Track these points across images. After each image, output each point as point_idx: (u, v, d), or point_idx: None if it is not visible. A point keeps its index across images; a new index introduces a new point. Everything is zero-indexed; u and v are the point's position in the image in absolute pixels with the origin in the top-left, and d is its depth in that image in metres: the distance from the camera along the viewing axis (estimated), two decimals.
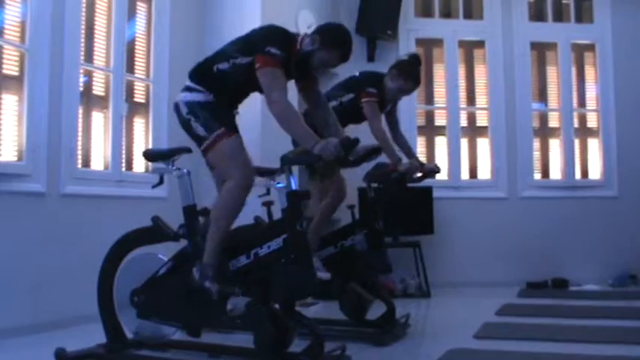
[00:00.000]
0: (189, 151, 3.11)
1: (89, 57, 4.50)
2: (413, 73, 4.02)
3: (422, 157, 6.19)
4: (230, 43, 3.18)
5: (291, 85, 3.18)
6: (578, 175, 6.80)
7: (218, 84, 3.10)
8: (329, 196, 3.98)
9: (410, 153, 4.24)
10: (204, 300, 2.89)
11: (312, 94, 3.33)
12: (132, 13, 4.89)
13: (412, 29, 6.74)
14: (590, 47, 6.92)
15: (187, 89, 3.13)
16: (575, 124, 6.86)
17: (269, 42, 2.98)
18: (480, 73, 6.86)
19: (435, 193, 6.24)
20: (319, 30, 3.15)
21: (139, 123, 4.95)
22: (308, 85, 3.30)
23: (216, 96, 3.09)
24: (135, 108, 4.92)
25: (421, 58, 4.17)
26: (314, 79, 3.30)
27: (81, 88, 4.39)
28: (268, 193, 3.38)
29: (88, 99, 4.52)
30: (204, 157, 3.10)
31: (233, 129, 3.09)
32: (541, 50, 6.93)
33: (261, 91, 3.05)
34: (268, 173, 3.35)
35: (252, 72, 2.98)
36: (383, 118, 4.17)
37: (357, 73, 4.17)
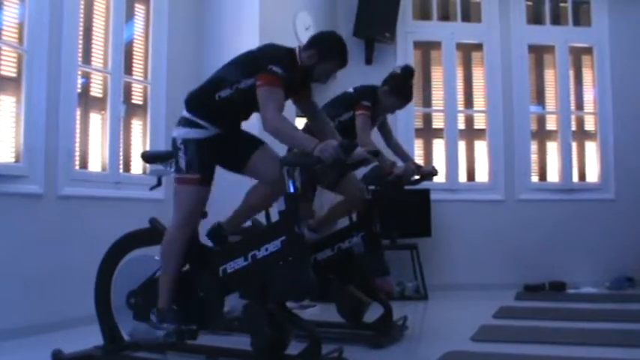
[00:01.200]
0: None
1: (87, 58, 4.50)
2: (404, 90, 4.04)
3: (419, 160, 6.20)
4: (228, 66, 3.10)
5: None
6: (575, 178, 6.80)
7: (220, 112, 3.04)
8: (345, 200, 3.99)
9: (405, 157, 4.25)
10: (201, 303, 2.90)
11: (307, 104, 3.32)
12: (130, 15, 4.89)
13: (410, 32, 6.75)
14: (588, 50, 6.93)
15: (187, 123, 3.04)
16: (573, 127, 6.85)
17: (272, 61, 2.94)
18: (478, 75, 6.86)
19: (433, 196, 6.24)
20: (314, 44, 3.10)
21: (136, 125, 4.95)
22: (303, 95, 3.28)
23: (220, 126, 3.04)
24: (133, 110, 4.91)
25: (414, 69, 4.15)
26: (308, 88, 3.28)
27: (79, 90, 4.39)
28: None
29: (86, 100, 4.52)
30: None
31: (208, 179, 3.02)
32: (539, 53, 6.94)
33: None
34: None
35: (255, 94, 2.92)
36: (375, 129, 4.19)
37: (352, 90, 4.17)
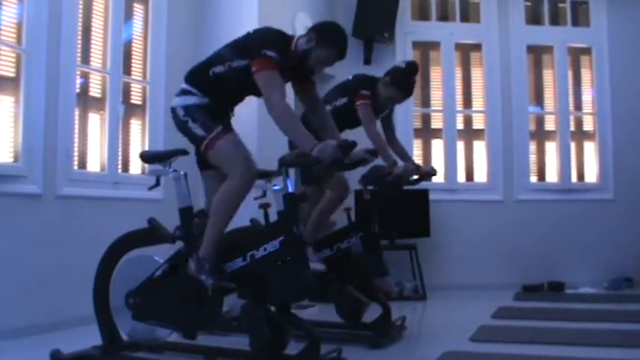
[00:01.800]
0: (185, 153, 3.11)
1: (86, 58, 4.50)
2: (406, 83, 4.02)
3: (418, 160, 6.20)
4: (226, 46, 3.17)
5: (289, 87, 3.18)
6: (574, 178, 6.81)
7: (214, 87, 3.10)
8: (332, 193, 3.99)
9: (405, 156, 4.24)
10: (200, 300, 2.89)
11: (309, 97, 3.33)
12: (129, 15, 4.88)
13: (409, 32, 6.76)
14: (587, 50, 6.93)
15: (183, 92, 3.13)
16: (572, 127, 6.87)
17: (266, 45, 2.97)
18: (477, 76, 6.87)
19: (432, 196, 6.25)
20: (315, 28, 3.14)
21: (135, 125, 4.95)
22: (306, 88, 3.29)
23: (212, 99, 3.10)
24: (131, 109, 4.91)
25: (418, 66, 4.14)
26: (312, 83, 3.30)
27: (77, 90, 4.39)
28: (264, 195, 3.38)
29: (85, 100, 4.52)
30: (205, 156, 3.06)
31: (229, 127, 3.09)
32: (538, 53, 6.94)
33: (256, 94, 3.06)
34: (265, 175, 3.34)
35: (248, 75, 2.97)
36: (378, 123, 4.17)
37: (351, 77, 4.18)
